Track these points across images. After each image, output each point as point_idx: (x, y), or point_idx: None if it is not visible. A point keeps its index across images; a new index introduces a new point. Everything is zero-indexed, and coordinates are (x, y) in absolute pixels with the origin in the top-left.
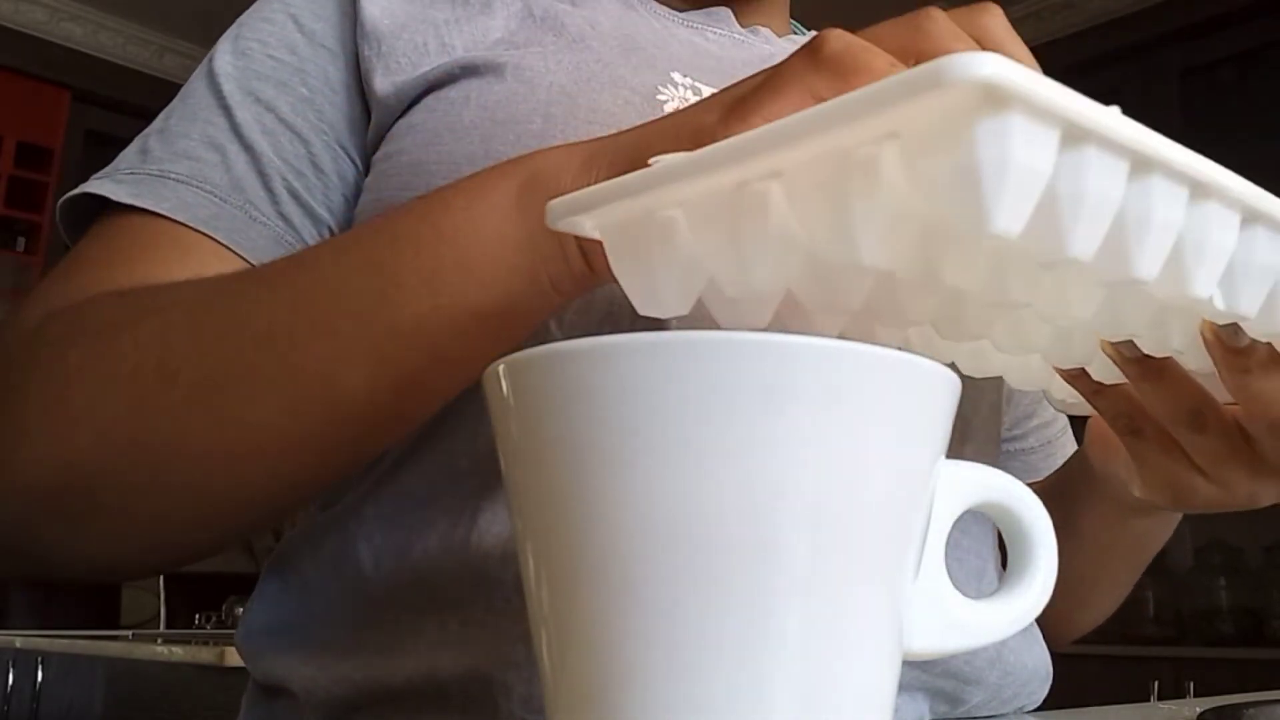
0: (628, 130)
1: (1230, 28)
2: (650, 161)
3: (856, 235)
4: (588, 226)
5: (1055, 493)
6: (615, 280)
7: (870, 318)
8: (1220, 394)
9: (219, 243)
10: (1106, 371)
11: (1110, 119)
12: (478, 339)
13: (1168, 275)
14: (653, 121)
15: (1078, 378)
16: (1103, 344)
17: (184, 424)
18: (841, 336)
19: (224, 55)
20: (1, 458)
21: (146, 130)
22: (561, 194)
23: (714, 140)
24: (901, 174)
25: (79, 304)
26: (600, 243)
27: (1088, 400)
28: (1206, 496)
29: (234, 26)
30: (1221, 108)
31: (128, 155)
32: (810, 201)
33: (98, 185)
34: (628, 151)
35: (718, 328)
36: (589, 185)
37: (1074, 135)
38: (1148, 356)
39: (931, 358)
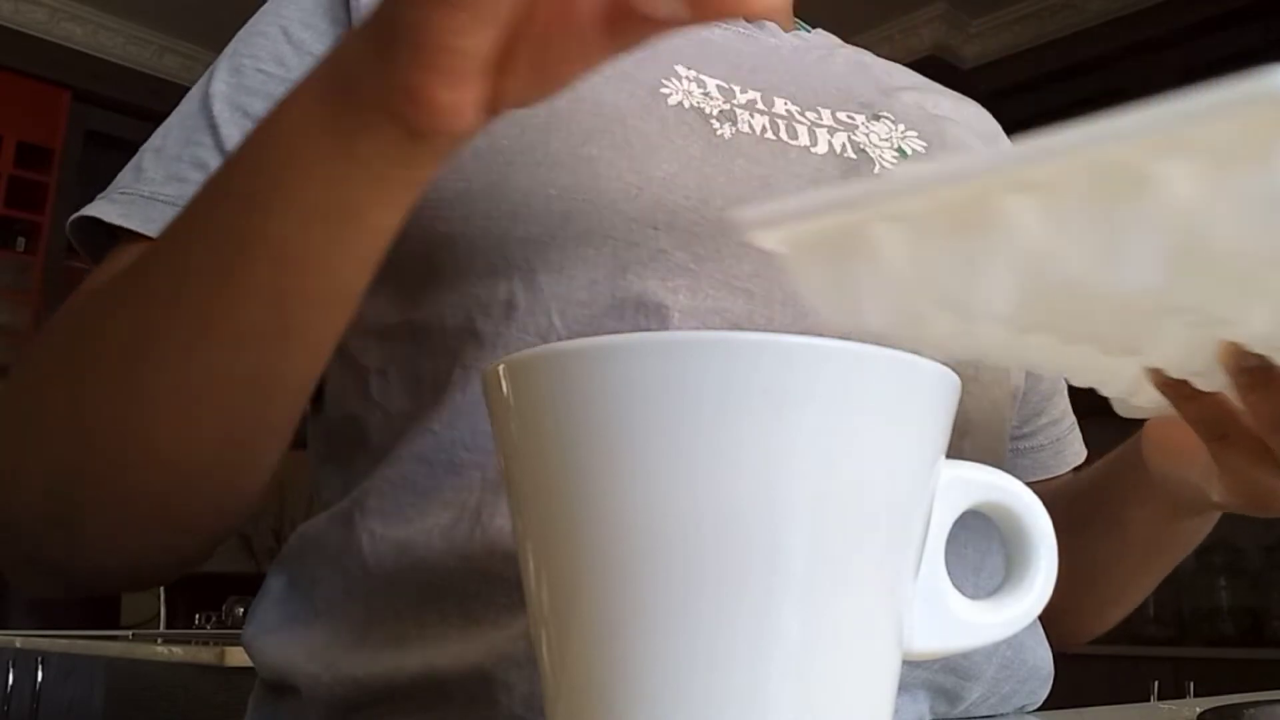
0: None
1: (1230, 28)
2: (875, 171)
3: (1124, 254)
4: (773, 240)
5: (1097, 493)
6: (453, 129)
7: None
8: None
9: None
10: (1209, 380)
11: None
12: (328, 235)
13: None
14: None
15: (1172, 384)
16: (1224, 353)
17: (107, 406)
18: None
19: (220, 74)
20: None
21: (144, 147)
22: (348, 61)
23: None
24: (1190, 192)
25: (51, 322)
26: (412, 96)
27: (1178, 406)
28: None
29: (232, 43)
30: None
31: (125, 174)
32: (1074, 217)
33: (95, 208)
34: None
35: (724, 319)
36: (364, 42)
37: None
38: (1260, 366)
39: (1017, 360)
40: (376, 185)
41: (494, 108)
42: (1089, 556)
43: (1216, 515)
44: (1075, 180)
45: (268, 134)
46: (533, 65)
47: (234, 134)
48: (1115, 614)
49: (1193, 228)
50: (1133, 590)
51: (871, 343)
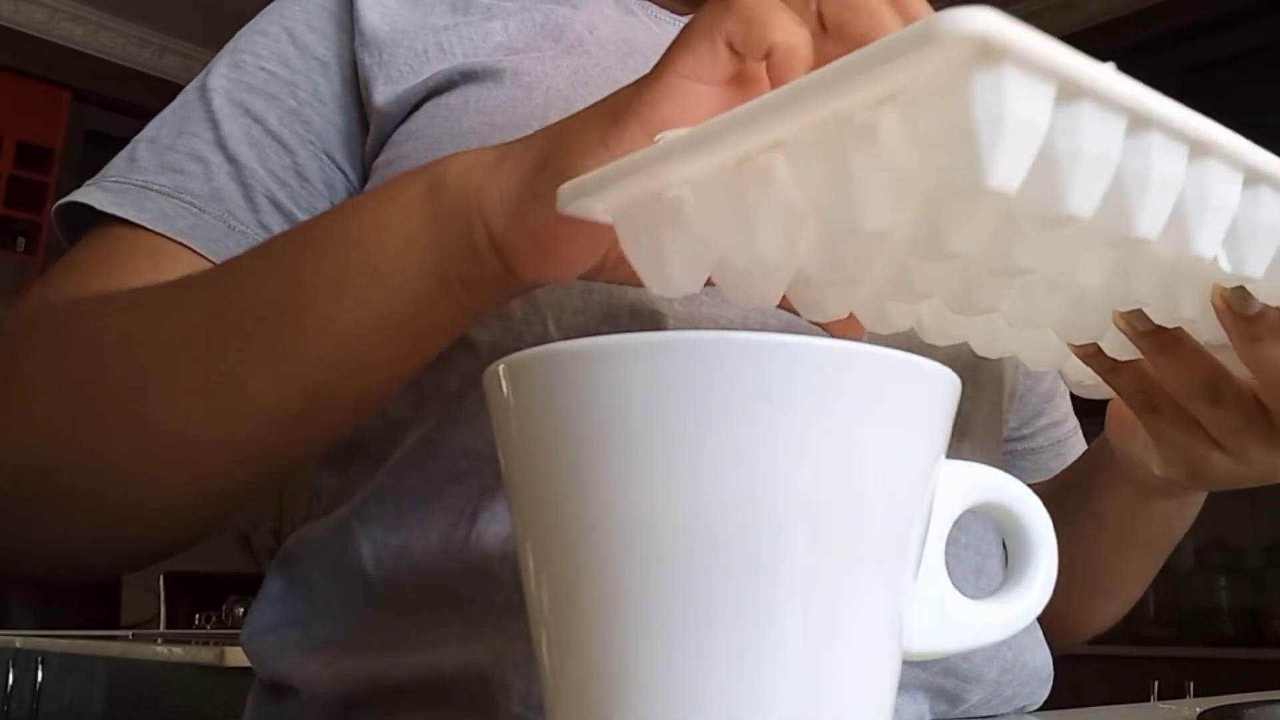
0: (542, 129)
1: (1230, 28)
2: (655, 139)
3: (859, 200)
4: (598, 209)
5: (1076, 480)
6: (538, 282)
7: (879, 295)
8: (1236, 367)
9: (196, 252)
10: (1121, 347)
11: (1106, 75)
12: (386, 346)
13: (1170, 234)
14: (569, 116)
15: (1093, 356)
16: (1115, 316)
17: (108, 427)
18: (852, 317)
19: (220, 69)
20: None
21: (138, 136)
22: (468, 192)
23: (632, 113)
24: (901, 134)
25: (41, 312)
26: (520, 243)
27: (1103, 378)
28: (1225, 471)
29: (233, 39)
30: (1221, 108)
31: (117, 163)
32: (813, 169)
33: (86, 194)
34: (540, 145)
35: (718, 327)
36: (497, 184)
37: (1069, 91)
38: (1160, 329)
39: (942, 336)
40: (449, 308)
41: (590, 275)
42: (1070, 547)
43: (1196, 502)
44: (817, 134)
45: (353, 227)
46: None
47: (234, 130)
48: (1108, 609)
49: (913, 172)
50: (1118, 581)
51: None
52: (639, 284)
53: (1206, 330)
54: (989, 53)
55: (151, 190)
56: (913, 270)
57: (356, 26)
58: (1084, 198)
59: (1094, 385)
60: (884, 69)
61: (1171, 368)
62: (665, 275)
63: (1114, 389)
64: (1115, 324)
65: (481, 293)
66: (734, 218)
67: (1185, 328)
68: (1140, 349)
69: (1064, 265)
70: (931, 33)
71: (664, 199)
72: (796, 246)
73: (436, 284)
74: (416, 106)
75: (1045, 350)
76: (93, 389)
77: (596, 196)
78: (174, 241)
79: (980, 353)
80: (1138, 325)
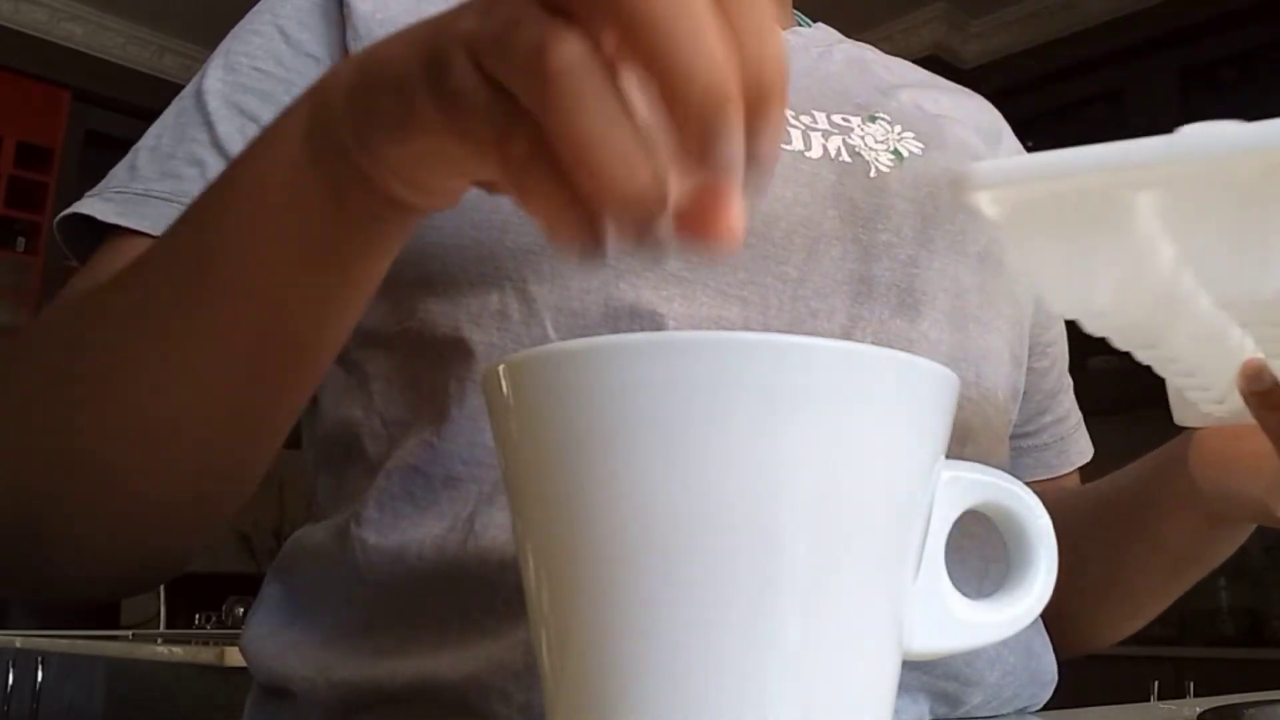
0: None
1: (1230, 28)
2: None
3: None
4: (986, 201)
5: (1131, 503)
6: (444, 206)
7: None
8: None
9: None
10: None
11: None
12: (311, 282)
13: None
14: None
15: (1261, 393)
16: None
17: (81, 426)
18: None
19: (214, 71)
20: None
21: (137, 145)
22: (338, 123)
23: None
24: None
25: (32, 326)
26: (380, 176)
27: (1261, 415)
28: None
29: (225, 40)
30: (1221, 108)
31: (118, 172)
32: None
33: (88, 205)
34: (361, 71)
35: (719, 328)
36: (353, 118)
37: None
38: None
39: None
40: (361, 237)
41: (492, 188)
42: (1116, 567)
43: (1250, 528)
44: None
45: (247, 173)
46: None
47: (230, 131)
48: (1133, 625)
49: None
50: (1157, 600)
51: (1094, 322)
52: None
53: None
54: None
55: (152, 197)
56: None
57: (349, 20)
58: None
59: (1225, 416)
60: None
61: None
62: (1088, 289)
63: (1265, 425)
64: None
65: (388, 217)
66: (1231, 241)
67: None
68: None
69: None
70: None
71: (1110, 202)
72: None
73: (336, 216)
74: None
75: (1221, 378)
76: (60, 392)
77: (1013, 186)
78: None
79: (1159, 364)
80: None
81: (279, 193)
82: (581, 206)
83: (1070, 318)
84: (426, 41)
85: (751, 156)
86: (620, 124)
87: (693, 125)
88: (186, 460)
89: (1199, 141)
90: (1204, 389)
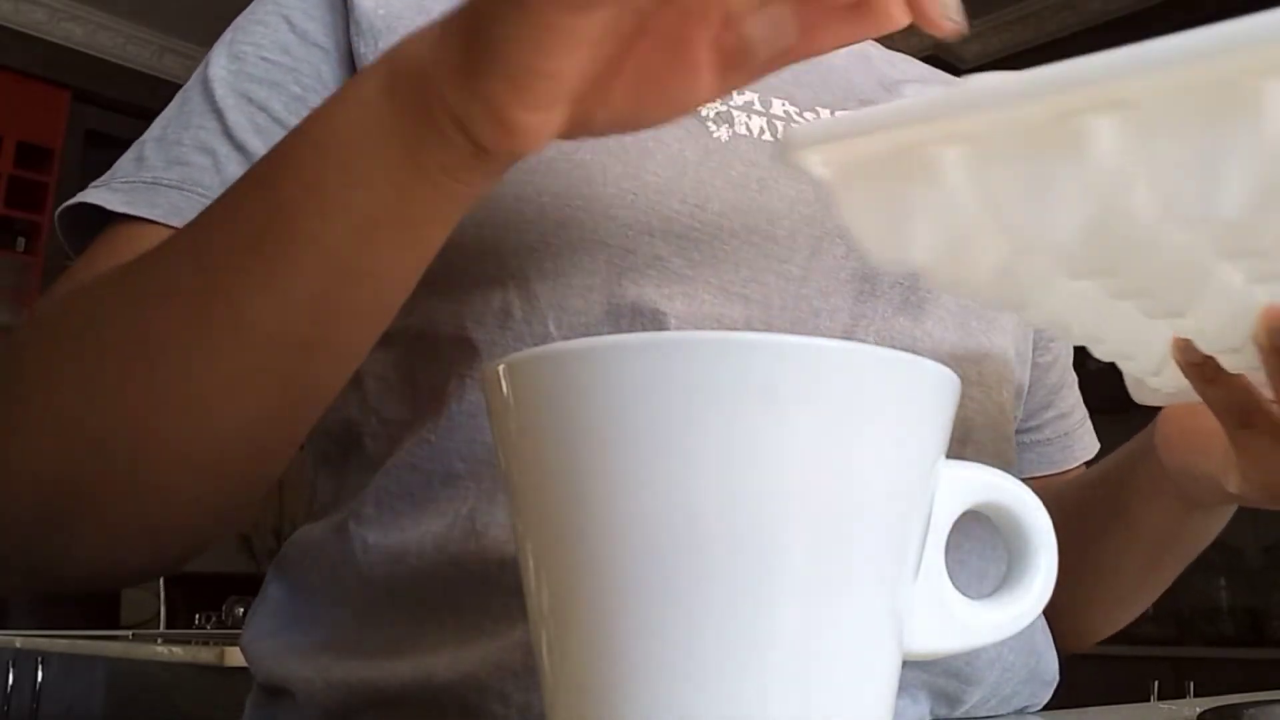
0: None
1: None
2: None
3: (1224, 181)
4: (815, 161)
5: (1109, 488)
6: (513, 155)
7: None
8: None
9: None
10: (1236, 361)
11: None
12: (381, 246)
13: None
14: None
15: (1196, 365)
16: (1258, 332)
17: (116, 403)
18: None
19: (218, 60)
20: None
21: (143, 137)
22: (421, 70)
23: None
24: None
25: (44, 310)
26: (476, 114)
27: (1200, 389)
28: None
29: (229, 30)
30: None
31: (124, 164)
32: (1161, 140)
33: (94, 195)
34: (469, 7)
35: (721, 327)
36: (443, 58)
37: None
38: None
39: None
40: (434, 197)
41: (572, 133)
42: (1097, 552)
43: (1229, 513)
44: (1170, 99)
45: (320, 134)
46: (629, 97)
47: (241, 120)
48: (1122, 615)
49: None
50: (1141, 589)
51: (913, 275)
52: (625, 129)
53: None
54: None
55: (161, 185)
56: (1132, 259)
57: (351, 15)
58: None
59: (1174, 394)
60: None
61: None
62: (892, 241)
63: (1208, 400)
64: (1256, 337)
65: (463, 174)
66: (1025, 188)
67: None
68: (1267, 367)
69: None
70: None
71: (921, 156)
72: (1087, 228)
73: (414, 173)
74: None
75: (1150, 353)
76: (95, 368)
77: (824, 145)
78: None
79: (1079, 341)
80: (1276, 341)
81: (353, 150)
82: None
83: (892, 269)
84: None
85: None
86: None
87: None
88: (233, 425)
89: (989, 91)
90: (1128, 358)
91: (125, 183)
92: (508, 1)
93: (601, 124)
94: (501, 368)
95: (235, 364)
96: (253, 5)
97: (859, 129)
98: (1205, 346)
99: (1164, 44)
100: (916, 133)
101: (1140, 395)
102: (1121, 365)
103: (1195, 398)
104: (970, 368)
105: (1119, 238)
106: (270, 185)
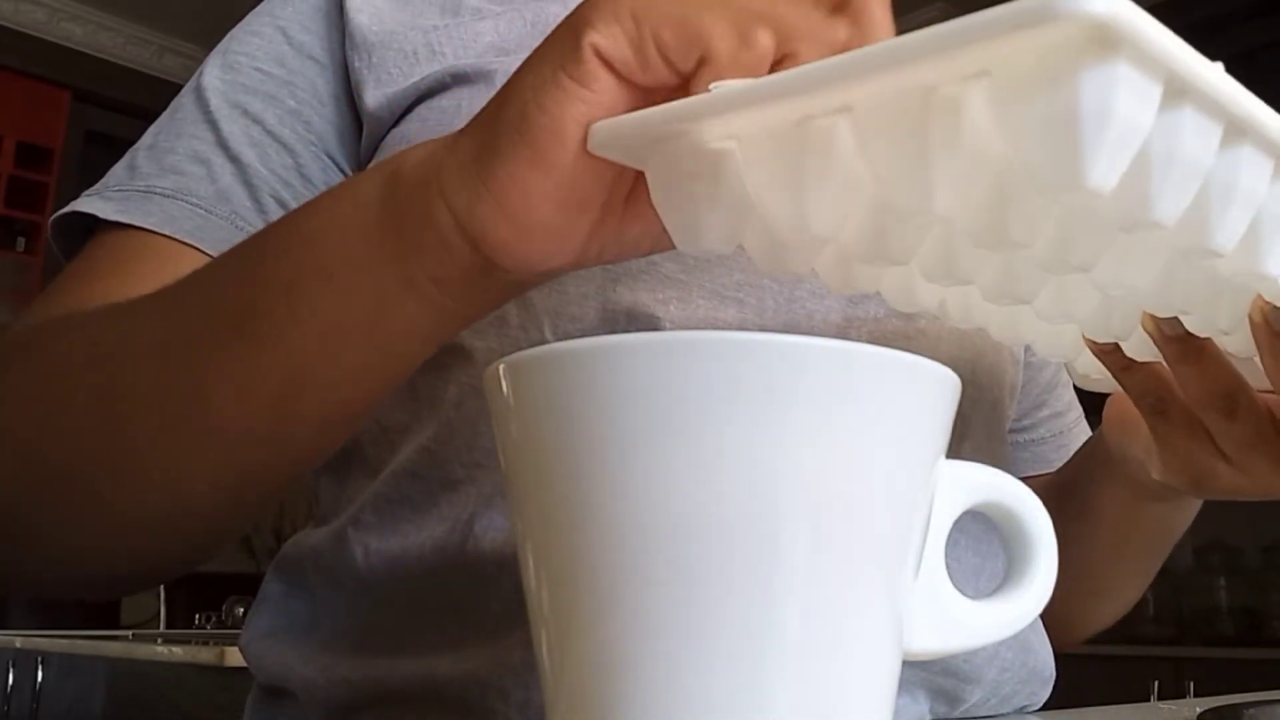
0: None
1: (1230, 28)
2: (710, 88)
3: (931, 181)
4: (620, 153)
5: (1073, 477)
6: (519, 269)
7: (913, 275)
8: (1256, 381)
9: (205, 254)
10: (1141, 348)
11: (1215, 77)
12: (345, 355)
13: (1242, 249)
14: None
15: (1108, 353)
16: (1145, 319)
17: (78, 444)
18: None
19: (213, 70)
20: None
21: (136, 146)
22: (428, 174)
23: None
24: (988, 117)
25: (31, 325)
26: (488, 217)
27: (1115, 376)
28: (1227, 483)
29: (224, 41)
30: None
31: (117, 172)
32: (882, 141)
33: (87, 203)
34: (493, 104)
35: (715, 327)
36: (455, 156)
37: (1175, 90)
38: (1189, 335)
39: (965, 319)
40: (417, 311)
41: (582, 261)
42: (1063, 543)
43: (1192, 505)
44: (886, 102)
45: (308, 229)
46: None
47: (235, 132)
48: (1103, 610)
49: (992, 158)
50: (1113, 581)
51: (826, 248)
52: (641, 254)
53: (1235, 342)
54: (1106, 41)
55: (155, 194)
56: (958, 255)
57: (346, 29)
58: (1171, 205)
59: (1102, 380)
60: (982, 42)
61: (1193, 376)
62: (697, 233)
63: (1124, 388)
64: (1144, 326)
65: (457, 290)
66: (786, 182)
67: (1215, 338)
68: (1165, 354)
69: (1120, 266)
70: (1048, 11)
71: (707, 152)
72: (846, 220)
73: (399, 283)
74: (408, 110)
75: (1061, 342)
76: (62, 404)
77: (628, 140)
78: (182, 244)
79: (997, 338)
80: (1167, 330)
81: (337, 252)
82: None
83: (790, 241)
84: (544, 53)
85: None
86: None
87: None
88: (172, 503)
89: (874, 57)
90: (1045, 348)
91: (118, 190)
92: (546, 80)
93: (599, 254)
94: (502, 368)
95: (191, 444)
96: (248, 16)
97: (658, 120)
98: (1097, 336)
99: (879, 49)
100: (709, 126)
101: (1080, 382)
102: (1041, 353)
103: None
104: (964, 367)
105: (886, 229)
106: (252, 272)
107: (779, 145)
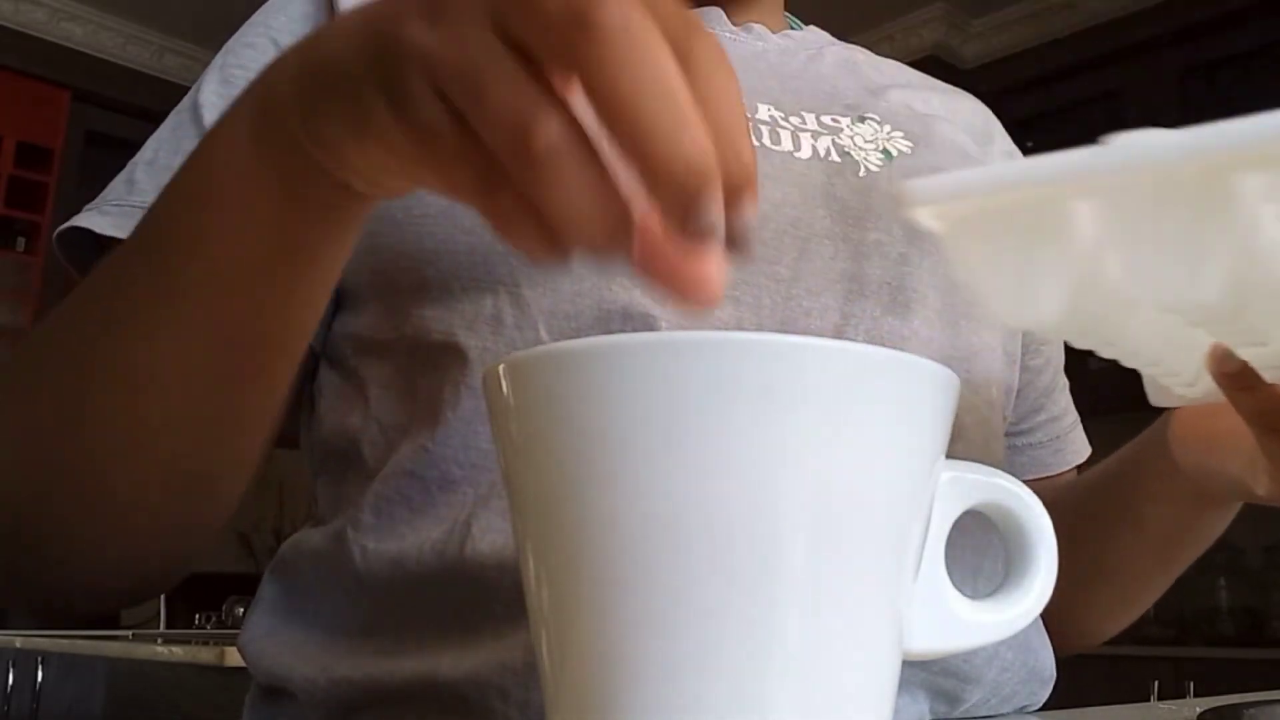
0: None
1: (1230, 28)
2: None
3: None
4: (926, 216)
5: (1113, 489)
6: (376, 193)
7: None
8: None
9: None
10: (1276, 372)
11: None
12: (279, 280)
13: None
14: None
15: (1232, 375)
16: None
17: (56, 434)
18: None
19: (209, 84)
20: None
21: (135, 159)
22: (284, 104)
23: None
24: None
25: (27, 338)
26: (373, 165)
27: (1234, 397)
28: None
29: (219, 55)
30: (1221, 108)
31: (116, 186)
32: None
33: (86, 219)
34: (313, 53)
35: (712, 325)
36: (305, 96)
37: None
38: None
39: (1080, 340)
40: (323, 228)
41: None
42: (1101, 553)
43: (1236, 509)
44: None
45: (195, 186)
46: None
47: None
48: (1124, 616)
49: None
50: (1146, 588)
51: (1043, 330)
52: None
53: None
54: None
55: None
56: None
57: None
58: None
59: (1196, 396)
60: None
61: None
62: (1020, 296)
63: (1237, 406)
64: None
65: (344, 208)
66: (1167, 245)
67: None
68: None
69: None
70: None
71: (1051, 212)
72: (1240, 286)
73: (298, 211)
74: None
75: (1188, 363)
76: (35, 398)
77: (947, 202)
78: None
79: (1111, 355)
80: None
81: (230, 189)
82: (553, 239)
83: (1017, 327)
84: (373, 46)
85: (730, 232)
86: (601, 196)
87: (673, 199)
88: (163, 464)
89: (1129, 151)
90: (1173, 375)
91: (116, 206)
92: (351, 106)
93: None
94: (501, 368)
95: (154, 400)
96: (244, 28)
97: (976, 188)
98: (1261, 365)
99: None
100: (1045, 190)
101: (1159, 399)
102: (1147, 371)
103: (1214, 400)
104: (959, 366)
105: (1256, 287)
106: (160, 226)
107: (1154, 207)
